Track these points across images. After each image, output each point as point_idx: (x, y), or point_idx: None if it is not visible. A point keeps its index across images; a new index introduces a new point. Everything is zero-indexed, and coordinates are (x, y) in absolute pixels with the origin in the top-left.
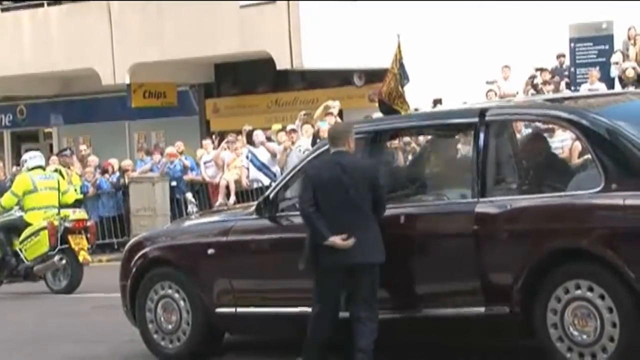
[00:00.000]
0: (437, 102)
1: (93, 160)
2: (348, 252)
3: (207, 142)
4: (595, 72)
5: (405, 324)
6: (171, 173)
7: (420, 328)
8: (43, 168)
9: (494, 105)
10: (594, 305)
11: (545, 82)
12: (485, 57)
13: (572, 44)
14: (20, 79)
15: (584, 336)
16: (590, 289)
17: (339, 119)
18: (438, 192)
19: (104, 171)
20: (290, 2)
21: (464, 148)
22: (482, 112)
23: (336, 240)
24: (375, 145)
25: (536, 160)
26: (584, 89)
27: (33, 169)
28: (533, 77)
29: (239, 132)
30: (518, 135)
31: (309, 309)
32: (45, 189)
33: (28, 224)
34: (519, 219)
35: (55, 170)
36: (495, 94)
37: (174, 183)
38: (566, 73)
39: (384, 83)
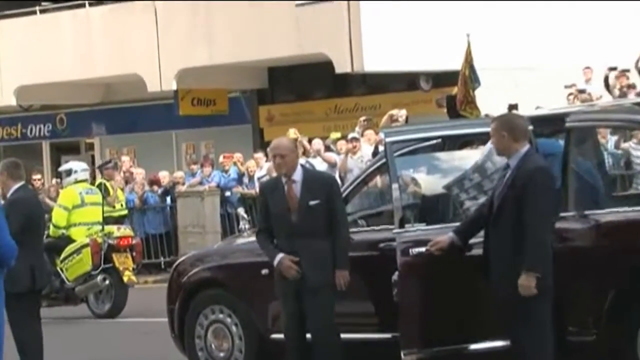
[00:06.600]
0: (512, 107)
1: (140, 172)
2: None
3: (258, 155)
4: None
5: None
6: (225, 182)
7: None
8: (87, 181)
9: (576, 110)
10: None
11: (629, 85)
12: (563, 58)
13: None
14: (59, 86)
15: None
16: None
17: None
18: None
19: (152, 183)
20: (350, 0)
21: None
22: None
23: None
24: None
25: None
26: None
27: (78, 182)
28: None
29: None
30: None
31: (372, 335)
32: (91, 204)
33: (71, 241)
34: (604, 234)
35: (100, 184)
36: (575, 97)
37: (227, 194)
38: None
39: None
